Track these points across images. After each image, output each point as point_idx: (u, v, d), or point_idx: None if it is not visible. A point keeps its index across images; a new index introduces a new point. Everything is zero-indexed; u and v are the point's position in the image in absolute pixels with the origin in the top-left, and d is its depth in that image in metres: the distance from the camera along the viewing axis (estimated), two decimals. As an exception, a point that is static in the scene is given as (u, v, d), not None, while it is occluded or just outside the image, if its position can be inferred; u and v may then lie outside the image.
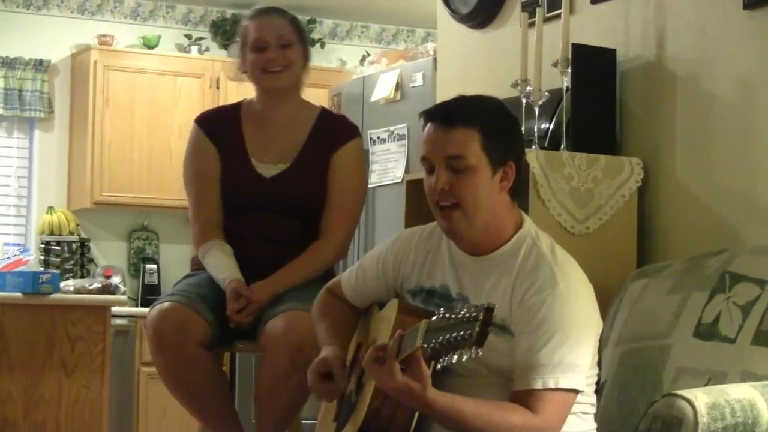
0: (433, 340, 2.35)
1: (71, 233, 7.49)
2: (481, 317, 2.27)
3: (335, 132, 3.80)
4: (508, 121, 2.76)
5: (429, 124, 2.73)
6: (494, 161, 2.69)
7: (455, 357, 2.31)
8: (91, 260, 7.59)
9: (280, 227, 3.73)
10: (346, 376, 2.80)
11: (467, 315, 2.30)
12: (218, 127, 3.84)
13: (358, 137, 3.84)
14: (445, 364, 2.34)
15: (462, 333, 2.29)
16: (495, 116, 2.73)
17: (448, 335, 2.31)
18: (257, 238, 3.73)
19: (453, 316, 2.34)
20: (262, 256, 3.70)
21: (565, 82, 3.66)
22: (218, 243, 3.71)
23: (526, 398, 2.56)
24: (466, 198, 2.68)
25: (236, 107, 3.90)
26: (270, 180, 3.74)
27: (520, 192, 2.79)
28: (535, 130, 3.67)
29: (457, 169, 2.67)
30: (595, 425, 2.78)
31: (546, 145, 3.72)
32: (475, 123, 2.68)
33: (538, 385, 2.55)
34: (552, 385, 2.55)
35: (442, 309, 2.40)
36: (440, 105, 2.78)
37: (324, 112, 3.88)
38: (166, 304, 3.58)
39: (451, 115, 2.70)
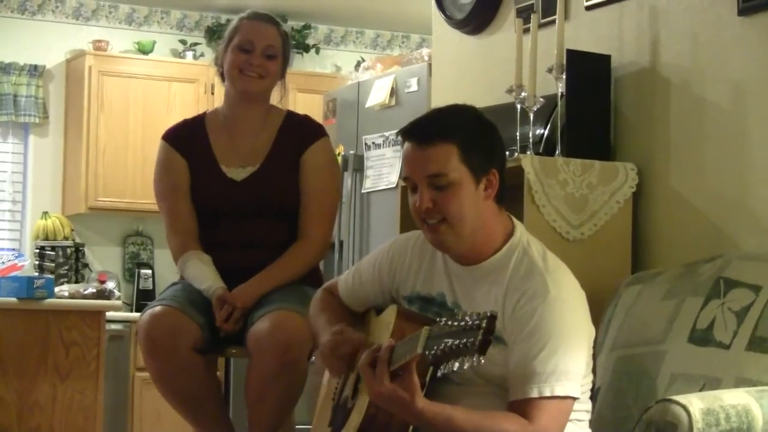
0: (435, 347, 2.35)
1: (66, 238, 7.48)
2: (483, 325, 2.27)
3: (302, 133, 3.83)
4: (486, 129, 2.75)
5: (407, 143, 2.72)
6: (476, 172, 2.68)
7: (456, 365, 2.31)
8: (86, 265, 7.58)
9: (262, 231, 3.74)
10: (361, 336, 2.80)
11: (470, 323, 2.30)
12: (185, 139, 3.87)
13: (326, 136, 3.87)
14: (446, 371, 2.34)
15: (464, 341, 2.29)
16: (471, 127, 2.72)
17: (450, 342, 2.31)
18: (242, 245, 3.74)
19: (455, 323, 2.34)
20: (249, 262, 3.71)
21: (560, 88, 3.67)
22: (196, 253, 3.74)
23: (522, 407, 2.56)
24: (452, 213, 2.67)
25: (200, 118, 3.94)
26: (241, 183, 3.77)
27: (506, 197, 2.78)
28: (530, 135, 3.67)
29: (440, 185, 2.66)
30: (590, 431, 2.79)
31: (541, 150, 3.72)
32: (452, 137, 2.66)
33: (534, 394, 2.55)
34: (548, 393, 2.55)
35: (444, 317, 2.40)
36: (415, 123, 2.75)
37: (290, 115, 3.91)
38: (157, 309, 3.59)
39: (427, 132, 2.69)
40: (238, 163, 3.79)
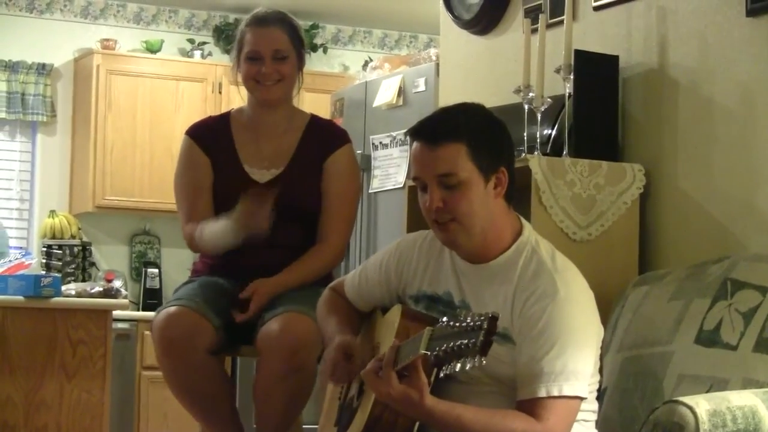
0: (437, 348, 2.35)
1: (73, 237, 7.49)
2: (485, 326, 2.28)
3: (326, 138, 3.82)
4: (494, 127, 2.75)
5: (415, 143, 2.72)
6: (485, 170, 2.68)
7: (458, 365, 2.31)
8: (93, 264, 7.59)
9: (281, 233, 3.73)
10: (363, 359, 2.79)
11: (471, 323, 2.30)
12: (209, 137, 3.84)
13: (349, 143, 3.86)
14: (448, 372, 2.35)
15: (466, 341, 2.29)
16: (480, 126, 2.72)
17: (452, 343, 2.31)
18: (262, 245, 3.73)
19: (457, 324, 2.34)
20: (266, 262, 3.70)
21: (568, 88, 3.66)
22: (209, 220, 3.71)
23: (530, 407, 2.56)
24: (462, 212, 2.67)
25: (225, 117, 3.91)
26: (265, 185, 3.75)
27: (515, 195, 2.78)
28: (538, 136, 3.67)
29: (449, 185, 2.67)
30: (596, 432, 2.79)
31: (548, 151, 3.72)
32: (460, 136, 2.66)
33: (542, 393, 2.55)
34: (556, 393, 2.55)
35: (445, 317, 2.40)
36: (424, 122, 2.75)
37: (314, 119, 3.89)
38: (173, 308, 3.56)
39: (436, 131, 2.69)
40: (261, 164, 3.77)
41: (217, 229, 3.66)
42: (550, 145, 3.75)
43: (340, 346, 2.82)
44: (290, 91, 3.83)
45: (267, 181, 3.76)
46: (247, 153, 3.80)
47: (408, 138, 2.77)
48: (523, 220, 2.82)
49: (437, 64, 5.40)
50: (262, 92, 3.77)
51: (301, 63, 3.84)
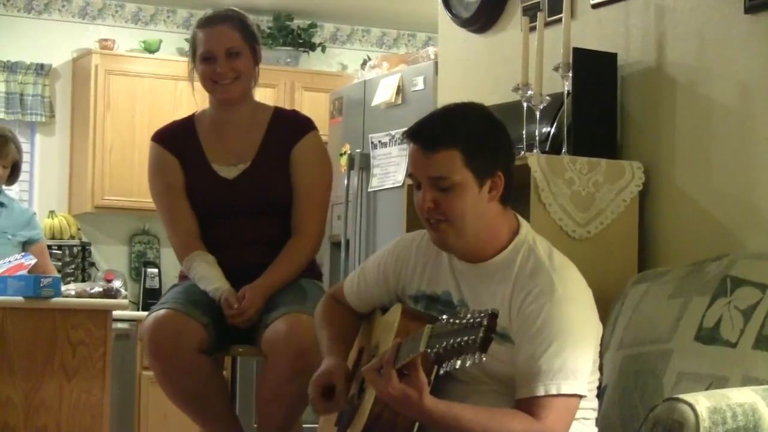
0: (437, 346, 2.36)
1: (72, 237, 7.49)
2: (485, 323, 2.28)
3: (291, 128, 3.82)
4: (492, 131, 2.73)
5: (411, 143, 2.72)
6: (480, 175, 2.67)
7: (458, 362, 2.31)
8: (92, 264, 7.59)
9: (257, 228, 3.74)
10: (346, 394, 2.79)
11: (471, 320, 2.31)
12: (176, 139, 3.86)
13: (314, 130, 3.85)
14: (448, 369, 2.35)
15: (466, 338, 2.29)
16: (477, 131, 2.70)
17: (452, 340, 2.32)
18: (239, 244, 3.74)
19: (457, 321, 2.34)
20: (246, 260, 3.71)
21: (566, 86, 3.66)
22: (201, 254, 3.73)
23: (529, 405, 2.56)
24: (454, 214, 2.67)
25: (190, 119, 3.93)
26: (233, 181, 3.76)
27: (512, 198, 2.77)
28: (536, 134, 3.67)
29: (443, 187, 2.66)
30: (596, 430, 2.78)
31: (547, 149, 3.72)
32: (456, 143, 2.65)
33: (540, 392, 2.55)
34: (554, 391, 2.55)
35: (445, 315, 2.40)
36: (421, 125, 2.73)
37: (277, 111, 3.91)
38: (161, 312, 3.59)
39: (432, 136, 2.68)
40: (229, 161, 3.79)
41: (203, 282, 3.68)
42: (549, 143, 3.75)
43: (319, 380, 2.80)
44: (248, 87, 3.83)
45: (235, 177, 3.75)
46: (214, 152, 3.81)
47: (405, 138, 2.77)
48: (521, 219, 2.81)
49: (436, 63, 5.41)
50: (220, 92, 3.79)
51: (256, 57, 3.83)
